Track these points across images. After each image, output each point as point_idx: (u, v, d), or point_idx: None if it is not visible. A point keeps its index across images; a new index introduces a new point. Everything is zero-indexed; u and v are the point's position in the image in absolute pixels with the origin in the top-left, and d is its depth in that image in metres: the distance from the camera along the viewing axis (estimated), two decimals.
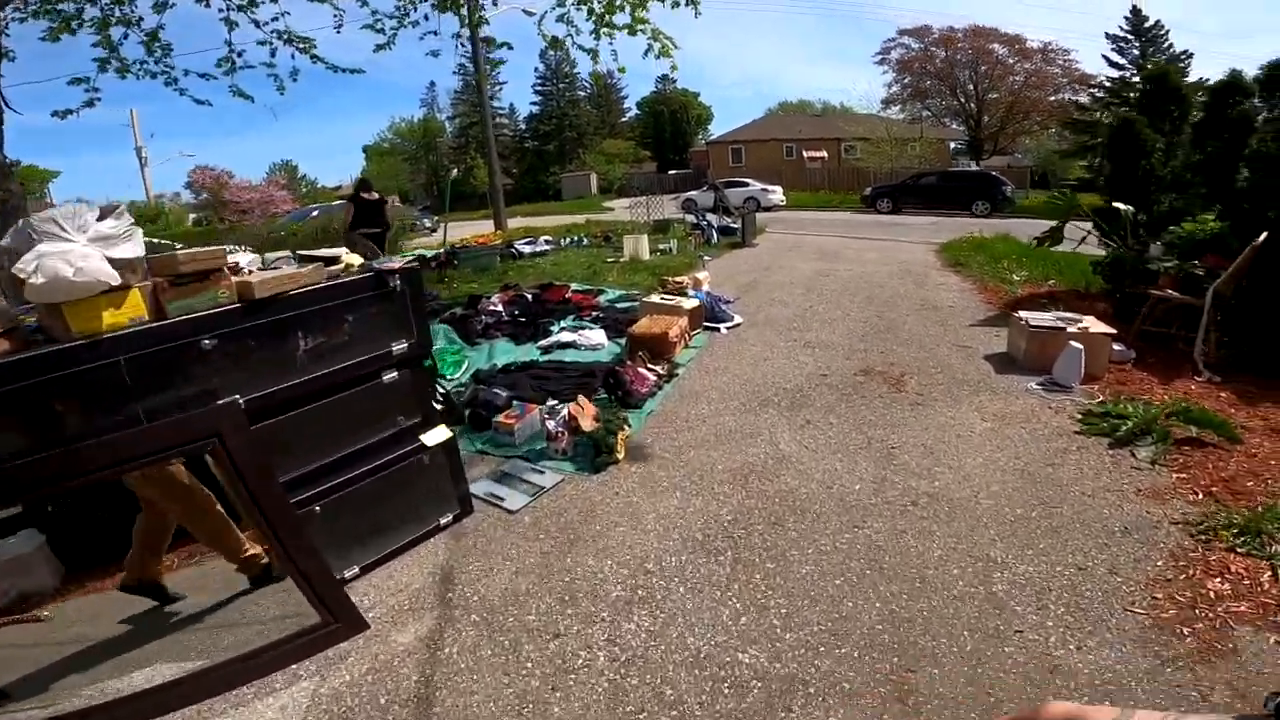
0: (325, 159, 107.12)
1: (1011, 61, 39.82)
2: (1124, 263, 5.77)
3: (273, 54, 7.59)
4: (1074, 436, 3.77)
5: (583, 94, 51.16)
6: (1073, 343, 4.38)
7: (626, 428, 3.86)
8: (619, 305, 6.99)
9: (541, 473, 3.65)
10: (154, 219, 40.24)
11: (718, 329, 5.80)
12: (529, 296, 7.15)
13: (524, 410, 4.07)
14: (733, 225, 13.85)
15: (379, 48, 8.03)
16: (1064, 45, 39.13)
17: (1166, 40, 28.24)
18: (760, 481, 3.39)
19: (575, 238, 13.02)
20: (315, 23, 7.84)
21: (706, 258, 10.26)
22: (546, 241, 12.58)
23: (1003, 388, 4.45)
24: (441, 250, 10.87)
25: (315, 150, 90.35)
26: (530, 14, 8.50)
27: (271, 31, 7.47)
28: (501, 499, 3.44)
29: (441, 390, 3.74)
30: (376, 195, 9.89)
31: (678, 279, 7.54)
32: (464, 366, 5.34)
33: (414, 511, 3.01)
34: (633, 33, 7.80)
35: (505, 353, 5.58)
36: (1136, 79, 29.67)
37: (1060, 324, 4.64)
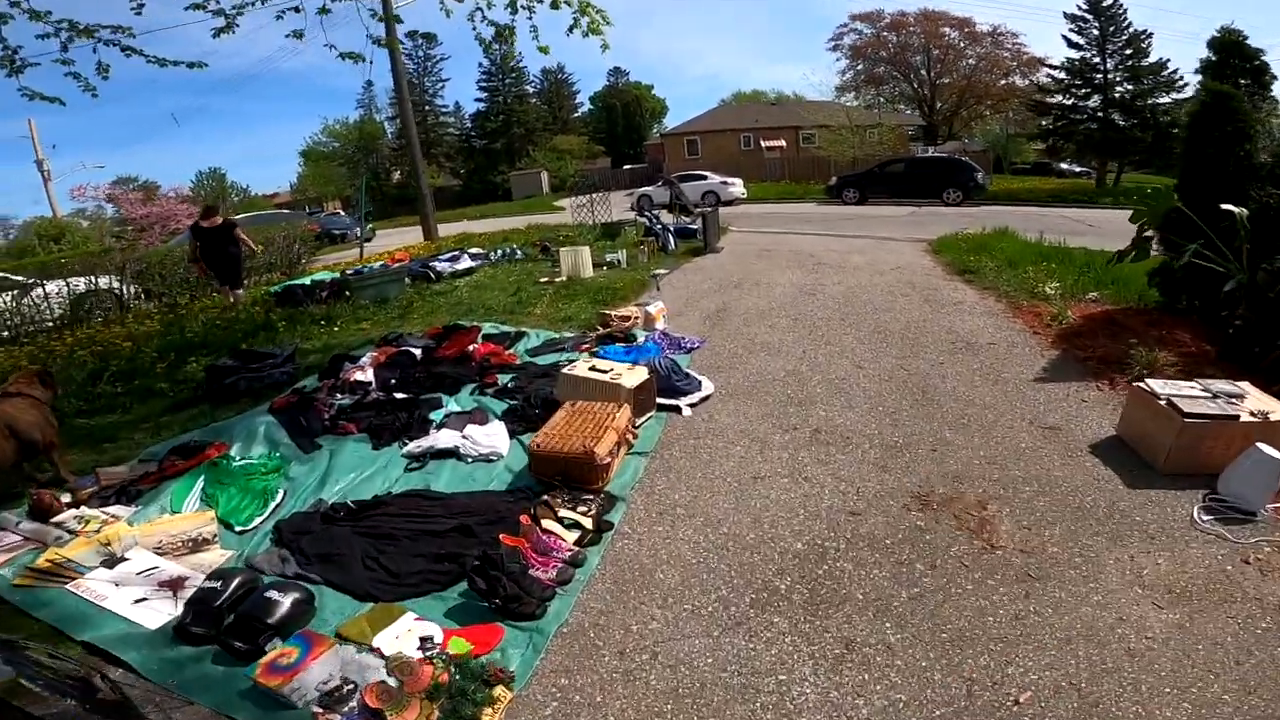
0: (264, 166, 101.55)
1: (962, 45, 39.68)
2: (1243, 288, 4.09)
3: (64, 48, 5.81)
4: None
5: (531, 89, 48.78)
6: (1264, 447, 2.63)
7: (505, 691, 1.94)
8: (541, 360, 5.03)
9: None
10: (57, 238, 36.41)
11: (677, 408, 3.90)
12: (416, 353, 5.13)
13: (307, 649, 2.11)
14: (691, 226, 11.99)
15: (218, 32, 6.25)
16: (1012, 28, 39.14)
17: (1126, 19, 27.39)
18: None
19: (508, 249, 10.97)
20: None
21: (662, 272, 8.36)
22: (473, 256, 10.50)
23: (1154, 522, 2.67)
24: (337, 274, 8.73)
25: (252, 157, 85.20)
26: None
27: (58, 21, 5.69)
28: None
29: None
30: (220, 220, 7.99)
31: (623, 314, 5.63)
32: (274, 502, 3.33)
33: None
34: (555, 5, 6.15)
35: (351, 468, 3.57)
36: (1097, 59, 29.03)
37: (1226, 407, 2.88)
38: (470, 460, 3.50)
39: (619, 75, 51.45)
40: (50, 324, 9.39)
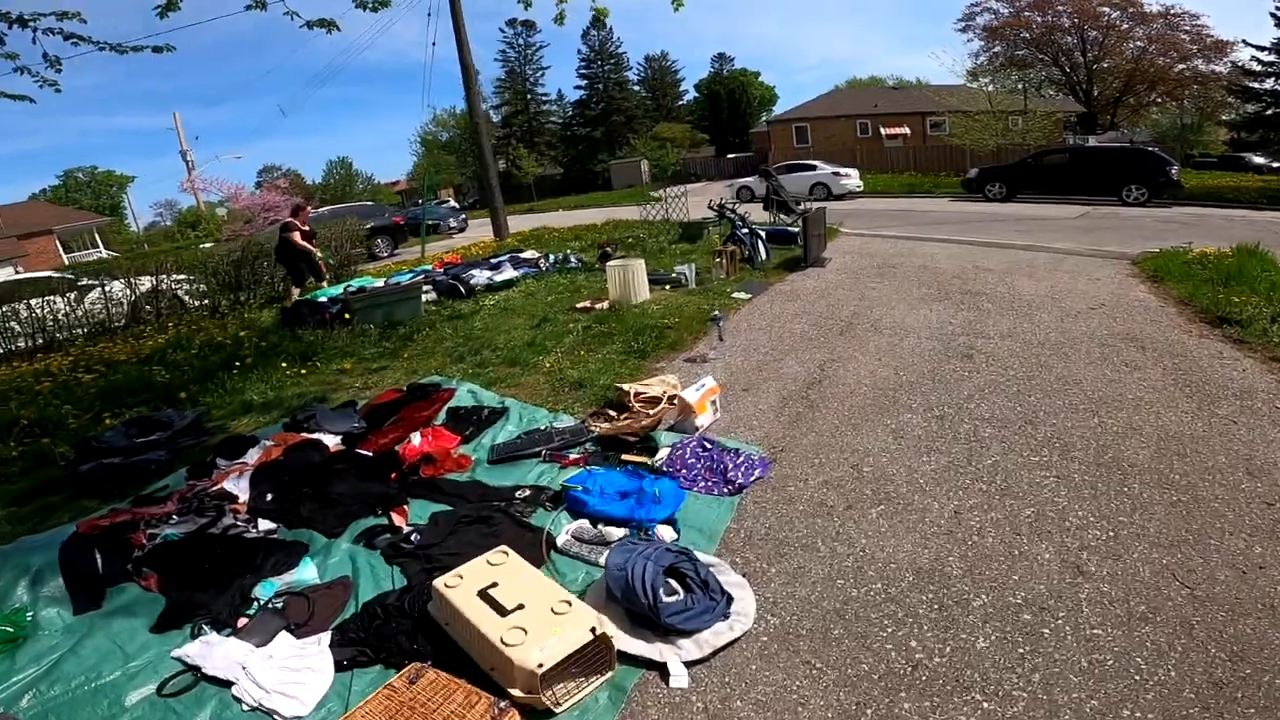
0: (390, 154, 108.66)
1: (1126, 26, 34.34)
2: None
3: (0, 41, 4.78)
4: None
5: (633, 77, 47.34)
6: None
7: None
8: (494, 478, 3.11)
9: None
10: (193, 225, 39.42)
11: (663, 666, 1.82)
12: (331, 443, 3.42)
13: None
14: (792, 229, 9.67)
15: (163, 11, 5.09)
16: (1190, 8, 33.48)
17: None
18: None
19: (561, 256, 9.19)
20: None
21: (740, 297, 6.23)
22: (518, 264, 8.80)
23: None
24: (344, 290, 7.30)
25: (382, 145, 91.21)
26: None
27: None
28: None
29: None
30: (289, 220, 8.51)
31: (650, 395, 3.62)
32: None
33: None
34: None
35: (87, 665, 2.02)
36: None
37: None
38: (245, 708, 1.73)
39: (724, 61, 48.80)
40: (82, 331, 8.80)
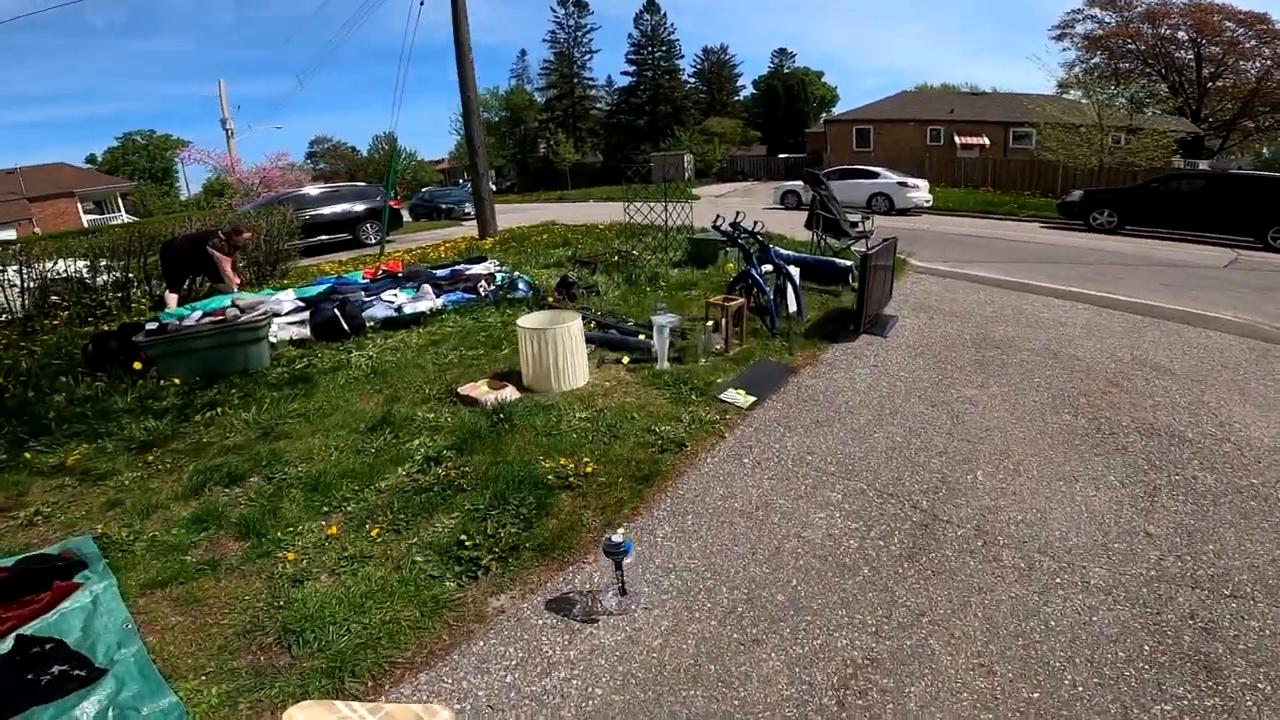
0: (437, 133, 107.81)
1: (1250, 45, 30.67)
2: None
3: None
4: None
5: (686, 65, 44.58)
6: None
7: None
8: None
9: None
10: (220, 193, 38.67)
11: None
12: None
13: None
14: (842, 263, 6.84)
15: None
16: None
17: None
18: None
19: (508, 276, 6.56)
20: None
21: (736, 399, 3.67)
22: (449, 285, 6.32)
23: None
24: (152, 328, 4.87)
25: (429, 124, 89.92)
26: None
27: None
28: None
29: None
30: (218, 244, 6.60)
31: None
32: None
33: None
34: None
35: None
36: None
37: None
38: None
39: (784, 57, 45.60)
40: None
